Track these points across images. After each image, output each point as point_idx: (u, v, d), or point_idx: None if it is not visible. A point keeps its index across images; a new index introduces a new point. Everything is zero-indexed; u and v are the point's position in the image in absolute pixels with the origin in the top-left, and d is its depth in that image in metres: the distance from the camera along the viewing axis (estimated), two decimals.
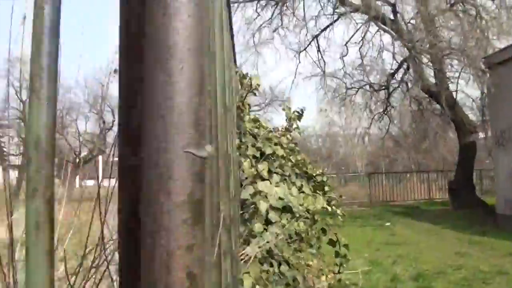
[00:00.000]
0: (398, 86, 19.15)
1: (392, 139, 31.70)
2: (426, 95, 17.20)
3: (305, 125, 51.00)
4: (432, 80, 16.84)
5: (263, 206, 4.33)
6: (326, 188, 6.45)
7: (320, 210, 5.56)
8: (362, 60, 17.75)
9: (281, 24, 17.66)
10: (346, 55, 17.73)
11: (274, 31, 17.89)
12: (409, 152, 36.88)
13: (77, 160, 45.12)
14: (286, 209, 4.61)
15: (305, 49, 18.10)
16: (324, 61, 18.08)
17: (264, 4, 17.45)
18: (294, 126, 6.59)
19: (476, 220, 13.42)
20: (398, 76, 18.47)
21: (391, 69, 18.53)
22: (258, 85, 5.93)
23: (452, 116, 16.05)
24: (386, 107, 20.36)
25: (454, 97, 16.22)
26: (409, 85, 17.79)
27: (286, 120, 6.61)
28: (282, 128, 6.57)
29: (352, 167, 58.67)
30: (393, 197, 21.30)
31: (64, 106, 45.33)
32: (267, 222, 4.39)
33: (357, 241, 10.46)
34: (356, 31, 17.11)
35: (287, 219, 4.55)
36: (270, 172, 4.97)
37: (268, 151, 5.12)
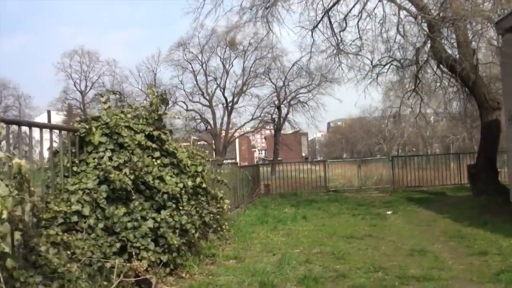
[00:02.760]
0: (427, 61, 17.49)
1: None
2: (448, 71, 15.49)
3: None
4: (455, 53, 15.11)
5: None
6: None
7: None
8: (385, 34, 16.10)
9: None
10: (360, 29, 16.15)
11: None
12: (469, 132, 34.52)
13: None
14: None
15: (316, 25, 16.75)
16: (338, 37, 16.63)
17: None
18: (160, 111, 5.89)
19: (489, 209, 11.88)
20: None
21: (416, 42, 16.82)
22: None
23: (472, 91, 14.34)
24: (416, 84, 18.78)
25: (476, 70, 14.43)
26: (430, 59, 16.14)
27: (149, 104, 5.92)
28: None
29: (422, 148, 56.39)
30: (419, 182, 19.58)
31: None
32: None
33: (322, 232, 9.58)
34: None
35: None
36: None
37: None
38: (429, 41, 15.08)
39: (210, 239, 7.68)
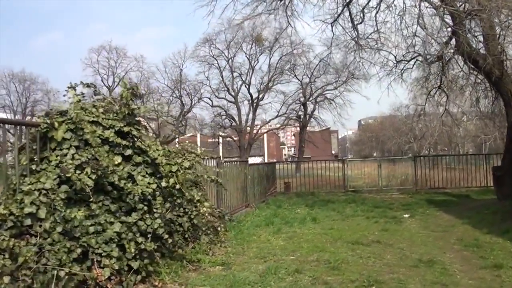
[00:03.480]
0: (453, 57, 16.58)
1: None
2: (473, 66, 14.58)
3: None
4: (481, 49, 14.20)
5: None
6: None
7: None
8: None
9: None
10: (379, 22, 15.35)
11: None
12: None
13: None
14: None
15: (336, 19, 16.03)
16: (356, 31, 15.87)
17: None
18: (133, 106, 5.38)
19: None
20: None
21: (440, 36, 15.92)
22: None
23: (497, 88, 13.44)
24: (442, 81, 17.89)
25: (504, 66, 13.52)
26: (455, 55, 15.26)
27: (121, 97, 5.41)
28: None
29: (454, 148, 54.71)
30: (444, 183, 18.62)
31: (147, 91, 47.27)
32: None
33: (327, 237, 9.00)
34: None
35: None
36: None
37: None
38: (454, 36, 14.24)
39: (201, 242, 7.20)
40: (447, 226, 10.47)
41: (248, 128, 43.42)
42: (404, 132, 61.91)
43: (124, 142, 5.55)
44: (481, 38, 14.07)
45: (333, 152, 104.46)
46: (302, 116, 43.96)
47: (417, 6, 13.23)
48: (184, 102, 46.76)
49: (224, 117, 44.55)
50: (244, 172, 13.33)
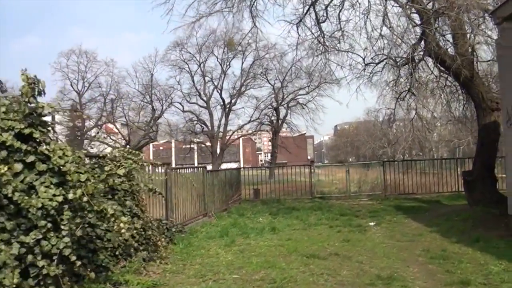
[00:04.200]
0: (422, 59, 16.02)
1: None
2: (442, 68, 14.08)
3: None
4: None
5: None
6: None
7: None
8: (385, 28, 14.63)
9: None
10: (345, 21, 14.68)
11: None
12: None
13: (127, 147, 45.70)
14: None
15: (301, 19, 15.29)
16: (322, 31, 15.17)
17: None
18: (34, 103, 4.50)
19: (484, 222, 10.47)
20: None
21: (409, 38, 15.33)
22: None
23: (468, 90, 12.92)
24: (412, 84, 17.32)
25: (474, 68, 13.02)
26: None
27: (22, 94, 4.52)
28: None
29: (428, 153, 54.73)
30: (414, 189, 18.02)
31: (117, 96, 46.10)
32: None
33: (282, 249, 8.23)
34: None
35: None
36: None
37: None
38: (423, 37, 13.67)
39: (134, 260, 6.33)
40: (414, 235, 9.79)
41: (221, 134, 42.54)
42: (378, 137, 61.94)
43: (25, 147, 4.65)
44: (450, 38, 13.55)
45: (308, 157, 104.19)
46: (274, 121, 43.32)
47: (382, 4, 12.62)
48: (155, 107, 45.62)
49: (195, 122, 43.61)
50: (202, 180, 12.49)
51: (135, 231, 6.40)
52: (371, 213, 13.38)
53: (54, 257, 4.47)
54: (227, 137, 43.48)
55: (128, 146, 46.59)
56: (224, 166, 41.47)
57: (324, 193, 19.28)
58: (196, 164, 67.49)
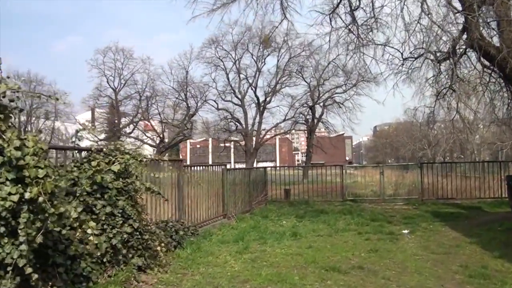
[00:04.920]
0: (465, 52, 14.79)
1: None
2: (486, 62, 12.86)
3: None
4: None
5: None
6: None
7: None
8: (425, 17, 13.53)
9: None
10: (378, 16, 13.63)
11: None
12: None
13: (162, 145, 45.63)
14: None
15: (334, 9, 14.32)
16: (356, 22, 14.16)
17: None
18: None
19: None
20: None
21: (449, 29, 14.13)
22: None
23: None
24: (453, 80, 16.07)
25: None
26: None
27: None
28: None
29: (469, 155, 52.47)
30: (454, 193, 16.70)
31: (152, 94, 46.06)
32: None
33: (299, 259, 7.35)
34: None
35: None
36: None
37: None
38: (465, 26, 12.48)
39: (122, 268, 5.60)
40: (451, 246, 8.73)
41: (255, 132, 41.78)
42: (418, 139, 59.96)
43: None
44: (495, 26, 12.30)
45: (347, 158, 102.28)
46: (310, 120, 42.24)
47: None
48: (189, 105, 45.31)
49: (230, 120, 43.00)
50: (222, 179, 11.73)
51: (126, 235, 5.67)
52: (406, 219, 12.29)
53: (9, 268, 3.76)
54: (261, 136, 42.65)
55: (162, 143, 46.56)
56: (259, 165, 40.70)
57: (357, 196, 18.20)
58: (232, 163, 67.05)
